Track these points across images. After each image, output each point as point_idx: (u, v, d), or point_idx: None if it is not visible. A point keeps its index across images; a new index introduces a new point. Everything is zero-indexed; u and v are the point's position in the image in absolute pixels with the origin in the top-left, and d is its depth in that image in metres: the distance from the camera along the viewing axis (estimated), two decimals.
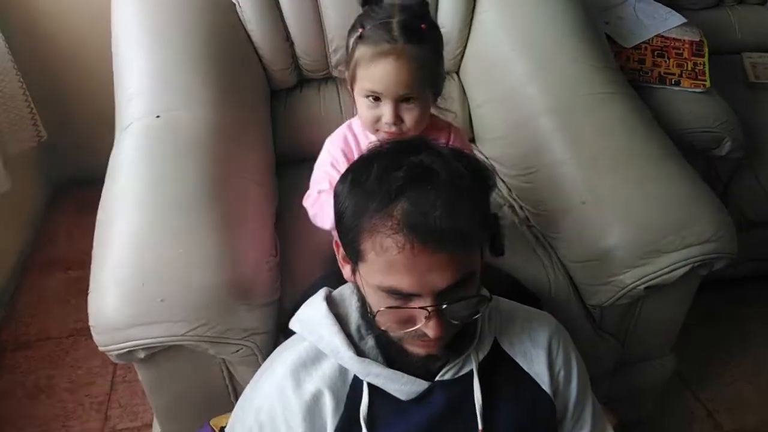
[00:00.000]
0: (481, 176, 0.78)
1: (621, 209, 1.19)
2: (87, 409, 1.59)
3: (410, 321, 0.75)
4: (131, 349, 1.00)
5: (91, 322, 1.01)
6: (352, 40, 1.04)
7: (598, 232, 1.19)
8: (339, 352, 0.81)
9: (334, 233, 1.16)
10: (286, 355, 0.86)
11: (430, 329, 0.74)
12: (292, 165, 1.54)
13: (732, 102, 1.64)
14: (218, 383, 1.14)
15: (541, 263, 1.30)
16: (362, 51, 1.01)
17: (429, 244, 0.69)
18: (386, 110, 1.03)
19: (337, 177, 1.10)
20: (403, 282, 0.71)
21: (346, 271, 0.82)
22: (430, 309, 0.72)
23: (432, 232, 0.69)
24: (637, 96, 1.42)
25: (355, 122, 1.16)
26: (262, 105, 1.51)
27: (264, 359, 1.07)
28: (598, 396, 0.95)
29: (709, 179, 1.27)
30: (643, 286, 1.15)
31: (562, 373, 0.90)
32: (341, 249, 0.80)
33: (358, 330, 0.84)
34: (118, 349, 1.00)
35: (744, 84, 1.90)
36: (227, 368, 1.13)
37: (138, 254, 1.04)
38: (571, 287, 1.27)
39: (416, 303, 0.73)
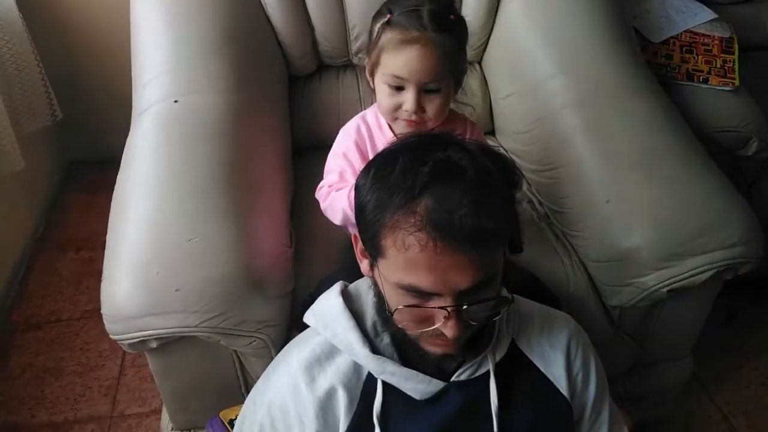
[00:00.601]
0: (508, 174, 0.76)
1: (646, 209, 1.16)
2: (95, 392, 1.59)
3: (428, 320, 0.74)
4: (144, 338, 0.99)
5: (103, 310, 0.99)
6: (378, 26, 1.02)
7: (622, 232, 1.16)
8: (354, 349, 0.80)
9: (349, 229, 1.15)
10: (299, 350, 0.84)
11: (449, 329, 0.72)
12: (310, 152, 1.52)
13: (759, 100, 1.60)
14: (229, 374, 1.13)
15: (561, 261, 1.28)
16: (389, 36, 1.00)
17: (453, 243, 0.68)
18: (409, 98, 1.01)
19: (348, 168, 1.11)
20: (423, 280, 0.70)
21: (364, 265, 0.81)
22: (449, 309, 0.71)
23: (456, 231, 0.67)
24: (664, 93, 1.38)
25: (369, 113, 1.14)
26: (281, 91, 1.48)
27: (276, 352, 1.06)
28: (613, 396, 0.94)
29: (733, 179, 1.23)
30: (666, 289, 1.12)
31: (580, 375, 0.88)
32: (360, 243, 0.79)
33: (374, 326, 0.83)
34: (130, 339, 0.99)
35: None
36: (239, 359, 1.12)
37: (153, 242, 1.02)
38: (590, 286, 1.25)
39: (435, 302, 0.72)
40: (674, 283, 1.12)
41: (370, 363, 0.79)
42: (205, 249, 1.01)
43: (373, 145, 1.12)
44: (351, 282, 0.89)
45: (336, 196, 1.08)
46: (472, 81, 1.56)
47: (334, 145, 1.15)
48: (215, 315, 0.99)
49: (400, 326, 0.75)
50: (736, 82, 1.57)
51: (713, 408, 1.58)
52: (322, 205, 1.12)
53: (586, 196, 1.25)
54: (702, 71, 1.59)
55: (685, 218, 1.13)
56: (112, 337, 1.01)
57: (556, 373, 0.86)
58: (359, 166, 1.09)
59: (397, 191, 0.70)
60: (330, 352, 0.82)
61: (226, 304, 0.99)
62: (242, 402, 0.92)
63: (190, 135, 1.18)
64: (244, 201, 1.12)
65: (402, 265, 0.70)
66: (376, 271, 0.76)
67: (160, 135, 1.18)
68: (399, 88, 1.02)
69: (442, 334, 0.73)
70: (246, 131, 1.25)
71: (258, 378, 0.90)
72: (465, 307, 0.71)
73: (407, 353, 0.80)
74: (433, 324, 0.73)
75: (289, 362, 0.84)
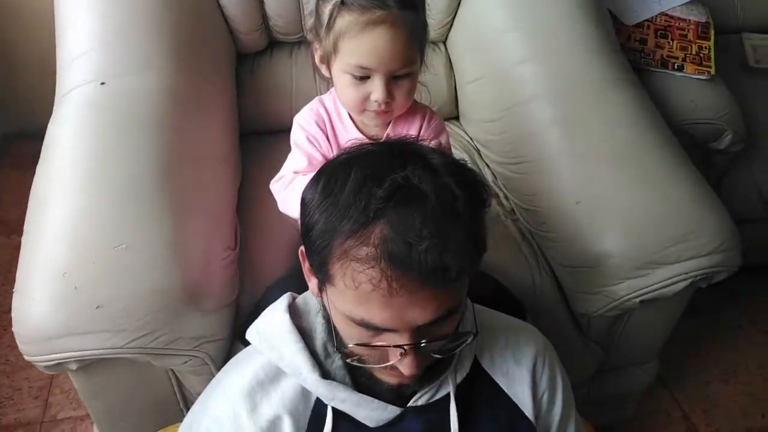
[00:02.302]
0: (476, 194, 0.66)
1: (619, 213, 1.08)
2: (25, 395, 1.46)
3: (383, 356, 0.66)
4: (61, 361, 0.87)
5: (15, 329, 0.87)
6: (329, 7, 0.89)
7: (592, 237, 1.09)
8: (302, 374, 0.72)
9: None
10: (240, 372, 0.76)
11: (406, 367, 0.65)
12: (258, 137, 1.41)
13: (728, 87, 1.54)
14: (165, 392, 1.03)
15: (526, 262, 1.20)
16: (347, 20, 0.86)
17: (411, 282, 0.59)
18: (377, 88, 0.89)
19: (317, 155, 0.99)
20: (376, 317, 0.62)
21: (312, 285, 0.72)
22: (406, 347, 0.63)
23: (415, 268, 0.59)
24: (640, 84, 1.30)
25: (328, 99, 1.03)
26: (227, 70, 1.35)
27: (217, 369, 0.96)
28: (576, 401, 0.89)
29: (702, 172, 1.17)
30: (639, 299, 1.06)
31: (545, 395, 0.83)
32: (307, 261, 0.69)
33: (324, 347, 0.75)
34: (45, 361, 0.88)
35: (742, 68, 1.78)
36: (176, 377, 1.01)
37: (72, 250, 0.90)
38: (557, 292, 1.18)
39: (390, 339, 0.64)
40: (647, 293, 1.05)
41: (319, 388, 0.72)
42: (133, 258, 0.90)
43: (334, 134, 1.01)
44: (301, 290, 0.81)
45: (301, 180, 0.96)
46: (437, 62, 1.46)
47: (293, 134, 1.02)
48: (144, 334, 0.88)
49: (351, 360, 0.68)
50: (712, 71, 1.50)
51: (674, 405, 1.55)
52: (279, 197, 1.01)
53: (556, 194, 1.17)
54: (677, 58, 1.51)
55: (660, 224, 1.06)
56: (25, 358, 0.89)
57: (520, 393, 0.81)
58: (327, 149, 0.99)
59: (348, 215, 0.61)
60: (275, 376, 0.75)
61: (158, 322, 0.89)
62: (181, 419, 0.83)
63: (119, 123, 1.05)
64: (182, 199, 1.00)
65: (352, 298, 0.62)
66: (324, 295, 0.67)
67: (85, 122, 1.04)
68: (364, 78, 0.90)
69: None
70: (185, 117, 1.12)
71: (199, 395, 0.81)
72: (423, 344, 0.64)
73: (360, 377, 0.74)
74: (388, 360, 0.66)
75: (228, 386, 0.76)
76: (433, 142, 1.00)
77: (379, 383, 0.72)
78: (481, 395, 0.79)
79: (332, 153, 0.99)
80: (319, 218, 0.63)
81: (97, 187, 0.96)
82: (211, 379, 0.84)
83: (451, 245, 0.59)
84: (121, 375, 0.97)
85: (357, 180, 0.62)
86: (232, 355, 0.99)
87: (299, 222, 1.03)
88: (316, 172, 0.68)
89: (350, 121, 0.99)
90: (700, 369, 1.63)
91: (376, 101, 0.91)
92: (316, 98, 1.04)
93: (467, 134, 1.47)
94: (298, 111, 1.44)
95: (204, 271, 0.96)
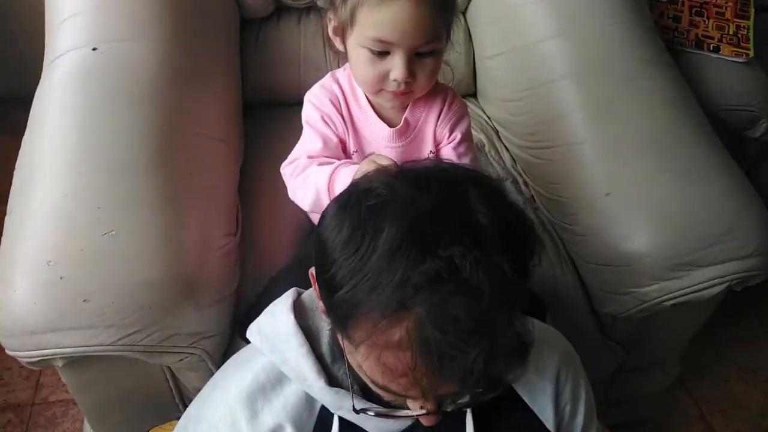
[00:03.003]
0: (529, 258, 0.57)
1: (651, 208, 1.00)
2: (15, 375, 1.40)
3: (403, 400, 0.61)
4: (45, 358, 0.80)
5: None
6: None
7: (622, 233, 1.00)
8: (307, 380, 0.67)
9: (314, 217, 0.96)
10: (240, 375, 0.71)
11: (426, 420, 0.61)
12: (263, 110, 1.32)
13: (766, 71, 1.44)
14: (160, 388, 0.96)
15: (547, 255, 1.12)
16: None
17: (449, 379, 0.53)
18: (398, 65, 0.80)
19: (333, 137, 0.89)
20: (401, 389, 0.56)
21: (322, 306, 0.64)
22: (429, 410, 0.59)
23: (456, 374, 0.52)
24: (675, 65, 1.20)
25: (341, 75, 0.93)
26: (230, 37, 1.25)
27: (215, 365, 0.90)
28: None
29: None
30: (671, 302, 0.98)
31: (568, 406, 0.78)
32: (316, 282, 0.63)
33: (331, 350, 0.69)
34: (28, 357, 0.81)
35: None
36: (171, 372, 0.94)
37: (58, 236, 0.82)
38: (580, 288, 1.10)
39: (414, 402, 0.60)
40: (680, 297, 0.97)
41: (325, 397, 0.67)
42: (123, 246, 0.82)
43: (350, 115, 0.91)
44: (308, 282, 0.72)
45: (315, 171, 0.87)
46: (456, 33, 1.35)
47: (305, 112, 0.93)
48: (135, 330, 0.81)
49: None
50: (750, 53, 1.39)
51: (691, 404, 1.49)
52: (290, 183, 0.92)
53: (583, 185, 1.08)
54: (713, 38, 1.41)
55: (696, 222, 0.97)
56: (7, 352, 0.82)
57: (542, 405, 0.76)
58: (343, 131, 0.90)
59: (378, 289, 0.52)
60: (277, 380, 0.69)
61: (150, 317, 0.81)
62: (178, 415, 0.80)
63: (112, 94, 0.96)
64: (178, 180, 0.92)
65: (375, 369, 0.55)
66: (340, 340, 0.61)
67: (74, 94, 0.95)
68: (383, 53, 0.81)
69: None
70: (184, 89, 1.03)
71: (196, 390, 0.78)
72: (450, 408, 0.60)
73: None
74: (408, 408, 0.61)
75: (226, 389, 0.71)
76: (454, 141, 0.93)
77: None
78: (500, 408, 0.72)
79: (348, 136, 0.91)
80: (342, 280, 0.54)
81: (86, 167, 0.88)
82: (209, 376, 0.79)
83: (500, 351, 0.52)
84: (112, 370, 0.90)
85: (391, 242, 0.52)
86: (232, 351, 0.93)
87: (309, 213, 0.95)
88: (336, 203, 0.58)
89: (366, 102, 0.90)
90: (718, 367, 1.56)
91: (395, 80, 0.81)
92: (329, 74, 0.94)
93: (485, 113, 1.38)
94: (306, 83, 1.34)
95: (201, 260, 0.88)
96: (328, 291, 0.57)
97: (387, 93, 0.85)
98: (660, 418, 1.44)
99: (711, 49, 1.40)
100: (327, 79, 0.93)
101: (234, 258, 0.97)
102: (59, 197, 0.85)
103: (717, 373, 1.55)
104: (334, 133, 0.90)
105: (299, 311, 0.70)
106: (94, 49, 0.99)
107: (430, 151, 0.94)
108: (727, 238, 0.96)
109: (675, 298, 0.98)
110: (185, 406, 0.99)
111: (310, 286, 0.77)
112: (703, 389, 1.52)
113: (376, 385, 0.57)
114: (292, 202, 1.14)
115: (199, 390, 0.77)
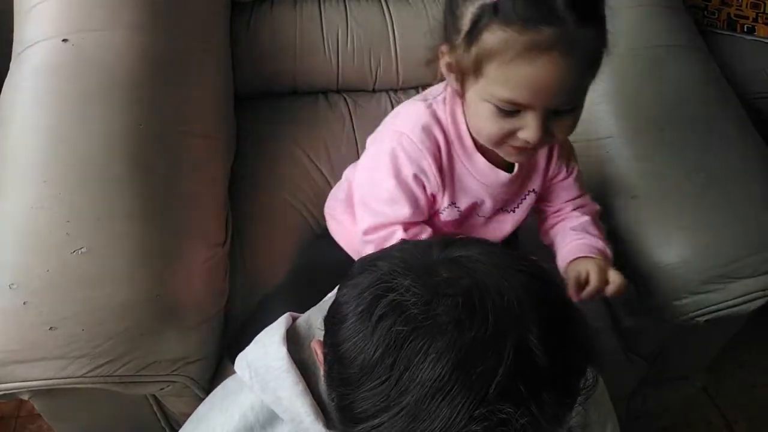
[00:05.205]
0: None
1: (684, 213, 0.90)
2: None
3: None
4: (9, 392, 0.72)
5: None
6: (473, 9, 0.64)
7: (652, 241, 0.91)
8: (303, 422, 0.60)
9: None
10: (227, 413, 0.64)
11: None
12: (256, 102, 1.21)
13: None
14: (145, 413, 0.88)
15: None
16: (501, 38, 0.63)
17: None
18: (531, 126, 0.66)
19: (422, 196, 0.75)
20: None
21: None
22: None
23: None
24: (707, 50, 1.09)
25: (441, 111, 0.76)
26: (219, 24, 1.14)
27: (203, 390, 0.82)
28: None
29: None
30: (705, 318, 0.89)
31: None
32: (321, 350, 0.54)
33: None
34: None
35: None
36: (155, 398, 0.86)
37: (21, 255, 0.73)
38: (602, 302, 1.01)
39: None
40: (715, 312, 0.88)
41: None
42: (95, 265, 0.73)
43: (450, 165, 0.77)
44: (303, 302, 0.68)
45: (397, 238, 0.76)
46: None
47: (393, 162, 0.75)
48: (109, 360, 0.72)
49: None
50: None
51: (715, 413, 1.41)
52: (366, 249, 0.79)
53: (606, 186, 0.98)
54: (747, 18, 1.30)
55: (734, 228, 0.88)
56: None
57: None
58: (437, 187, 0.76)
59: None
60: (267, 420, 0.63)
61: (126, 344, 0.73)
62: None
63: (84, 92, 0.86)
64: (159, 187, 0.83)
65: None
66: None
67: (41, 91, 0.85)
68: (512, 112, 0.67)
69: None
70: (165, 83, 0.93)
71: (183, 416, 0.74)
72: None
73: None
74: None
75: (211, 429, 0.64)
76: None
77: None
78: None
79: (442, 191, 0.77)
80: (369, 410, 0.45)
81: (54, 174, 0.79)
82: (197, 400, 0.73)
83: None
84: (89, 399, 0.82)
85: (437, 380, 0.43)
86: (221, 374, 0.85)
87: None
88: (357, 302, 0.48)
89: (473, 146, 0.75)
90: (743, 372, 1.47)
91: (527, 141, 0.68)
92: (425, 106, 0.76)
93: None
94: (302, 71, 1.25)
95: (183, 277, 0.79)
96: (342, 415, 0.49)
97: (511, 148, 0.71)
98: (682, 428, 1.36)
99: (745, 30, 1.31)
100: (425, 116, 0.75)
101: (222, 271, 0.88)
102: (22, 210, 0.76)
103: (742, 378, 1.46)
104: (424, 191, 0.76)
105: (293, 342, 0.62)
106: (64, 40, 0.89)
107: (533, 190, 0.83)
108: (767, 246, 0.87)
109: (710, 313, 0.89)
110: (174, 431, 0.92)
111: (310, 306, 0.70)
112: (727, 397, 1.43)
113: None
114: (290, 205, 1.05)
115: (187, 416, 0.69)
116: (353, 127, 1.16)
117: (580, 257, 0.80)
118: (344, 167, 0.94)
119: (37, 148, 0.81)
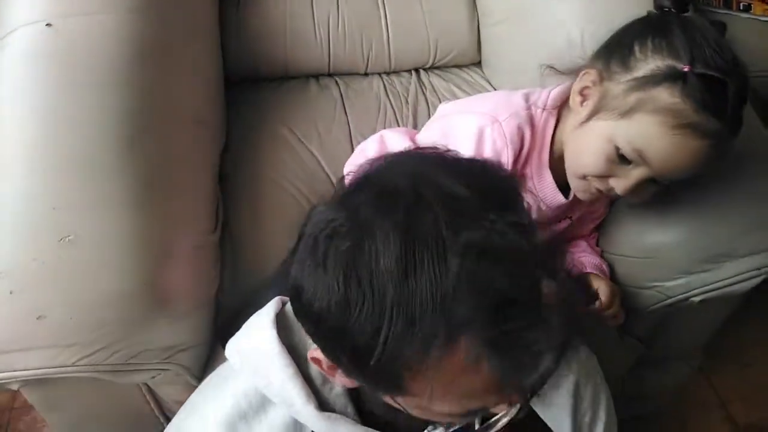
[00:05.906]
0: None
1: (680, 193, 0.89)
2: None
3: None
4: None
5: None
6: (659, 63, 0.70)
7: (647, 220, 0.90)
8: (294, 405, 0.60)
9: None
10: (219, 400, 0.65)
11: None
12: (246, 87, 1.21)
13: None
14: (137, 402, 0.88)
15: None
16: (676, 104, 0.68)
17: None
18: (630, 181, 0.72)
19: None
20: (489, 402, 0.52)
21: (338, 378, 0.55)
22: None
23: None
24: None
25: (539, 117, 0.78)
26: (208, 9, 1.13)
27: (195, 377, 0.82)
28: None
29: None
30: (700, 298, 0.89)
31: (587, 416, 0.74)
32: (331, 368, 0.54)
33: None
34: None
35: None
36: (147, 386, 0.86)
37: (7, 243, 0.72)
38: None
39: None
40: (710, 292, 0.88)
41: (316, 423, 0.61)
42: (83, 253, 0.72)
43: (521, 172, 0.79)
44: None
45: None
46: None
47: (464, 130, 0.78)
48: (99, 348, 0.72)
49: None
50: None
51: (711, 392, 1.41)
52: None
53: None
54: None
55: (730, 207, 0.87)
56: None
57: (558, 418, 0.71)
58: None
59: (412, 317, 0.43)
60: (260, 405, 0.64)
61: (116, 333, 0.72)
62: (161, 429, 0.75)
63: (70, 78, 0.84)
64: (147, 174, 0.81)
65: (456, 400, 0.49)
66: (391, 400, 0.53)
67: (26, 78, 0.84)
68: (625, 161, 0.71)
69: None
70: (154, 67, 0.91)
71: (177, 404, 0.74)
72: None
73: (365, 404, 0.63)
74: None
75: (204, 416, 0.65)
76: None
77: (387, 415, 0.60)
78: (511, 425, 0.64)
79: None
80: (370, 342, 0.45)
81: (40, 162, 0.77)
82: (190, 387, 0.75)
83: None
84: (80, 388, 0.82)
85: (395, 261, 0.44)
86: (214, 360, 0.85)
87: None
88: (306, 260, 0.49)
89: (547, 162, 0.78)
90: (739, 350, 1.48)
91: (612, 192, 0.74)
92: (522, 98, 0.80)
93: (492, 85, 1.26)
94: (293, 56, 1.24)
95: (173, 265, 0.78)
96: (358, 365, 0.48)
97: (590, 186, 0.75)
98: (675, 407, 1.37)
99: (741, 8, 1.29)
100: (523, 115, 0.77)
101: (212, 258, 0.88)
102: (8, 197, 0.75)
103: (737, 357, 1.47)
104: None
105: (283, 326, 0.63)
106: (48, 24, 0.88)
107: (571, 217, 0.87)
108: (764, 224, 0.86)
109: (705, 293, 0.88)
110: (168, 420, 0.91)
111: None
112: (722, 375, 1.44)
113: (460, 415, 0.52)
114: (282, 188, 1.04)
115: (180, 403, 0.70)
116: (344, 108, 1.15)
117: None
118: (336, 148, 0.93)
119: (23, 137, 0.80)
